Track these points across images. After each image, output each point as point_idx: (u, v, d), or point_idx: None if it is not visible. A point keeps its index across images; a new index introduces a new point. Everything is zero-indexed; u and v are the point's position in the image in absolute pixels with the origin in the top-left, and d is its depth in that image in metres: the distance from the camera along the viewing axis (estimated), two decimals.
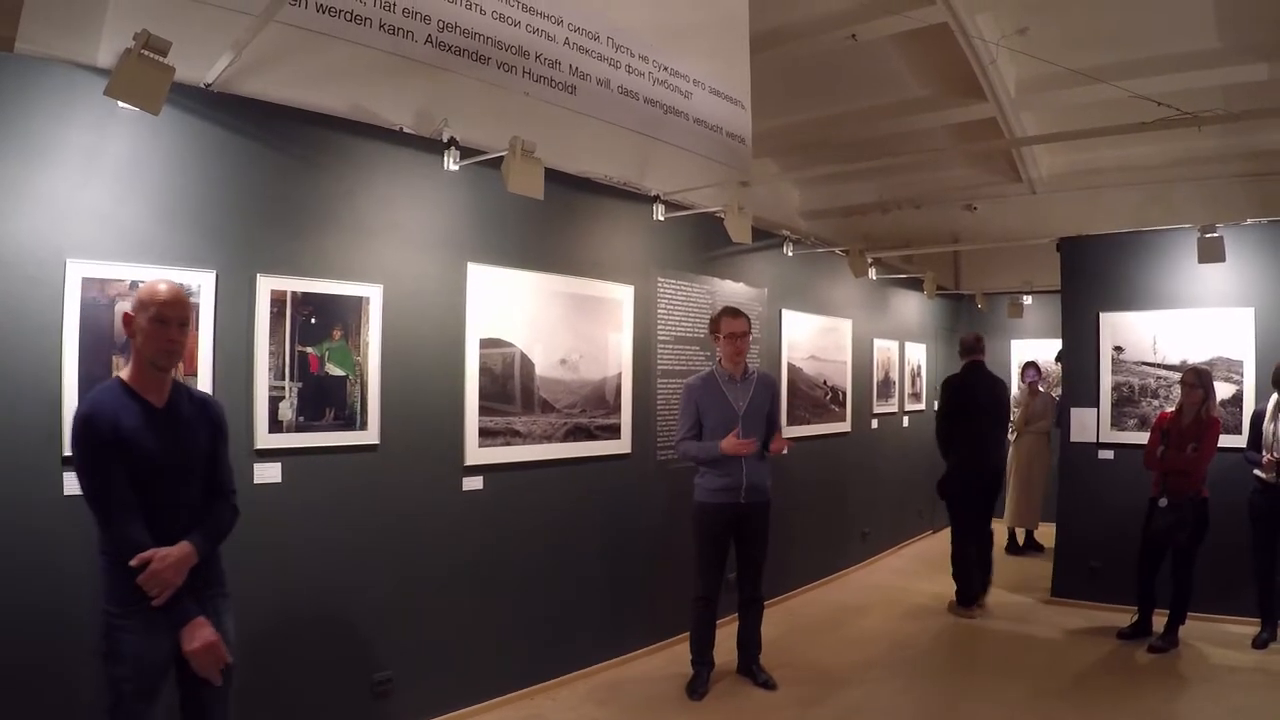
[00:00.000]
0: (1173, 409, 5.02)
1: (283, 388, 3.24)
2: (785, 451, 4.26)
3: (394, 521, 3.58)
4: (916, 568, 7.18)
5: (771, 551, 4.36)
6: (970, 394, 5.93)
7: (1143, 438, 5.23)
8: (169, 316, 2.31)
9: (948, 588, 6.34)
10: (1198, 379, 4.82)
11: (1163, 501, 4.79)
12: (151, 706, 2.27)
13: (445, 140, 3.71)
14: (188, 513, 2.39)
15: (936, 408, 6.35)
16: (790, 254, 6.10)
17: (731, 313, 4.26)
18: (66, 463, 2.71)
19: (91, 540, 2.27)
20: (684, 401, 4.26)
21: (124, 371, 2.39)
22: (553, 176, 3.77)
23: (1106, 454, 5.79)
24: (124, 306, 2.82)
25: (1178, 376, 5.21)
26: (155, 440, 2.31)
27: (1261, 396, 5.13)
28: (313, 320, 3.32)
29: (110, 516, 2.24)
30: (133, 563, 2.20)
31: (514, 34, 3.91)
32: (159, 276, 2.89)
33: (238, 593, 2.55)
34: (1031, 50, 5.34)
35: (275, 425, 3.21)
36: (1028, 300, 8.67)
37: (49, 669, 2.68)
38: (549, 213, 4.13)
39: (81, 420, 2.25)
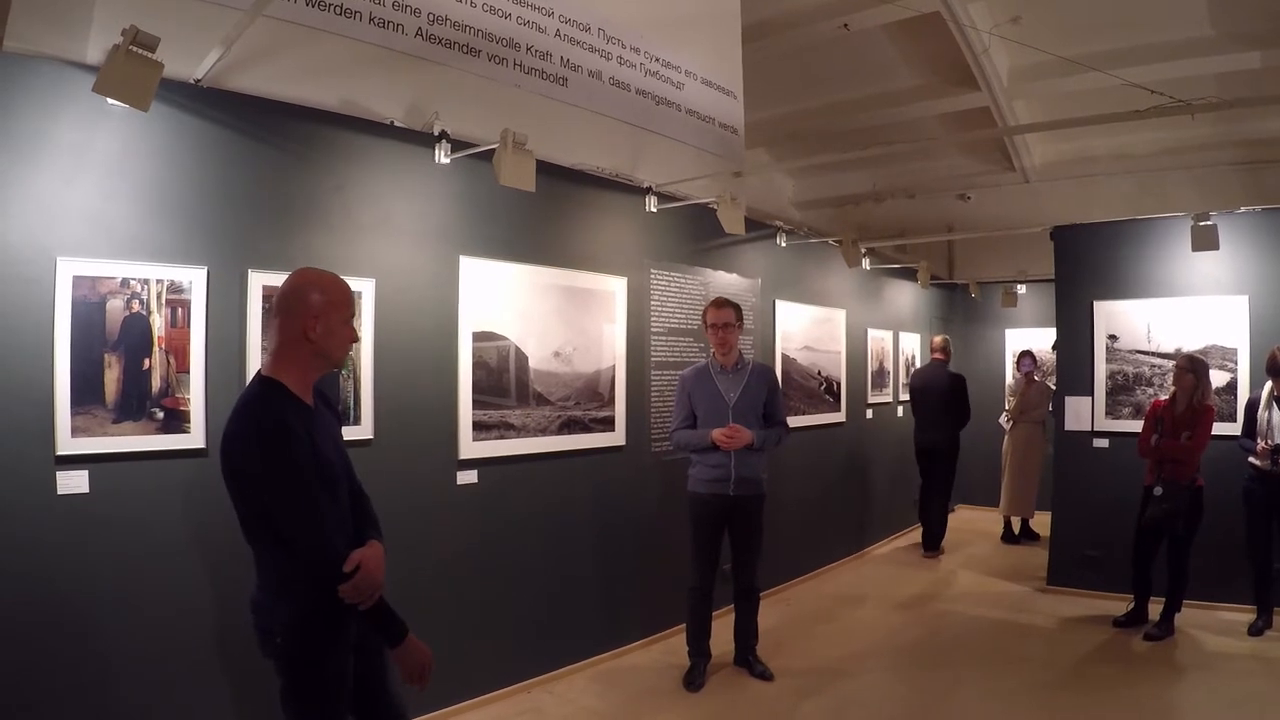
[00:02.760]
0: (1167, 397, 5.03)
1: None
2: (746, 444, 4.09)
3: (388, 516, 3.50)
4: (912, 558, 7.20)
5: (766, 542, 4.36)
6: (924, 384, 7.35)
7: (1137, 426, 5.23)
8: (352, 314, 2.17)
9: (944, 576, 6.39)
10: (1191, 366, 4.83)
11: (1157, 489, 4.79)
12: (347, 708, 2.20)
13: (436, 133, 3.70)
14: (349, 521, 2.21)
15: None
16: (783, 245, 6.09)
17: (717, 303, 4.24)
18: (59, 463, 2.71)
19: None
20: (677, 392, 4.29)
21: (278, 372, 2.07)
22: (544, 169, 3.76)
23: (1101, 442, 5.81)
24: (116, 304, 2.83)
25: (1172, 364, 5.22)
26: (326, 444, 2.11)
27: (1255, 384, 5.14)
28: None
29: (326, 537, 2.00)
30: (346, 567, 2.00)
31: (504, 26, 3.89)
32: (160, 274, 2.91)
33: (232, 590, 2.54)
34: (1024, 39, 5.33)
35: None
36: (1022, 289, 8.68)
37: (40, 672, 2.67)
38: (541, 205, 4.13)
39: (277, 433, 1.95)
